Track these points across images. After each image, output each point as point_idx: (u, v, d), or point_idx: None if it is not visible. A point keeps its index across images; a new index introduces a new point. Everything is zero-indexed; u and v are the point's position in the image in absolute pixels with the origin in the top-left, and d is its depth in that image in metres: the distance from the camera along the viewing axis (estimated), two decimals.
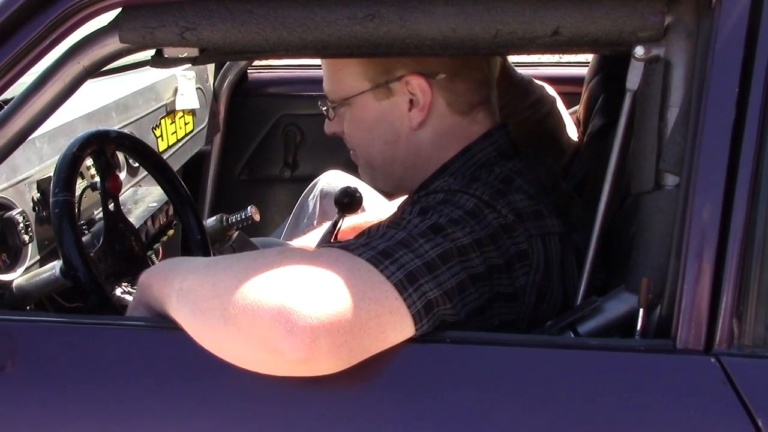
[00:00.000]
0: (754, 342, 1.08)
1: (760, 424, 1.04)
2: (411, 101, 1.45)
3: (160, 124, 2.46)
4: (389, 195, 2.03)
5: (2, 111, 1.37)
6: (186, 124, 2.65)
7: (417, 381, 1.14)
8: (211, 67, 2.83)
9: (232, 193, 2.90)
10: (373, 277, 1.10)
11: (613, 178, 1.26)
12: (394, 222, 1.25)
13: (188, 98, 2.55)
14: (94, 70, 1.36)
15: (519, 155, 1.46)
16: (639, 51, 1.21)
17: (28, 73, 1.34)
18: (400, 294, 1.10)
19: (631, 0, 1.20)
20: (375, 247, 1.14)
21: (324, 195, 2.44)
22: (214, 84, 2.85)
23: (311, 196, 2.49)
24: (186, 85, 2.54)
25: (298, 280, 1.07)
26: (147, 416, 1.17)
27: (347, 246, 1.16)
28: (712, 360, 1.07)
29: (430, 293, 1.12)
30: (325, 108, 1.55)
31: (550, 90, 2.25)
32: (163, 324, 1.21)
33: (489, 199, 1.30)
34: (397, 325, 1.10)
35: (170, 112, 2.55)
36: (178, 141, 2.60)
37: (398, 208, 1.47)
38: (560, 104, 2.22)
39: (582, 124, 2.16)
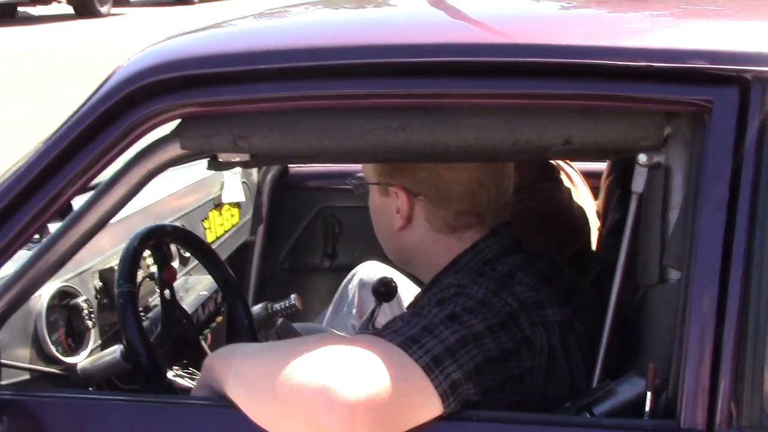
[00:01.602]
0: (751, 423, 1.19)
1: None
2: (398, 208, 1.60)
3: (208, 216, 2.63)
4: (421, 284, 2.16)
5: (76, 210, 1.54)
6: (232, 216, 2.81)
7: None
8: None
9: (275, 281, 3.03)
10: (403, 361, 1.24)
11: (622, 272, 1.39)
12: (416, 312, 1.39)
13: (234, 192, 2.72)
14: (157, 173, 1.52)
15: (520, 251, 1.59)
16: (642, 158, 1.35)
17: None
18: (427, 375, 1.23)
19: (633, 113, 1.34)
20: (403, 334, 1.29)
21: (362, 285, 2.57)
22: (257, 178, 3.01)
23: (350, 286, 2.62)
24: (232, 180, 2.71)
25: (338, 363, 1.20)
26: None
27: (379, 333, 1.31)
28: None
29: (453, 374, 1.25)
30: (356, 180, 1.73)
31: (574, 175, 2.39)
32: (221, 403, 1.35)
33: (495, 290, 1.43)
34: (425, 404, 1.23)
35: (218, 205, 2.72)
36: (225, 232, 2.76)
37: (416, 299, 1.62)
38: (582, 189, 2.35)
39: (601, 217, 2.29)
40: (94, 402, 1.46)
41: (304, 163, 2.92)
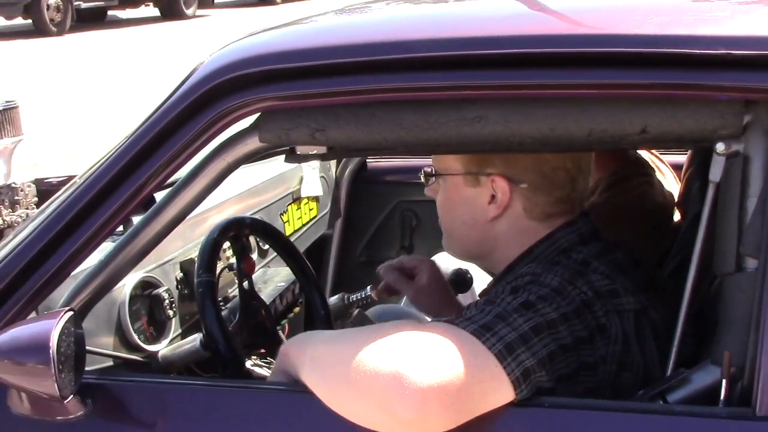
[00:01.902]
0: None
1: None
2: (492, 196, 1.59)
3: (287, 210, 2.67)
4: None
5: (158, 202, 1.59)
6: (310, 210, 2.86)
7: None
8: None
9: (352, 273, 3.07)
10: (477, 348, 1.25)
11: (698, 261, 1.38)
12: (489, 300, 1.40)
13: (312, 186, 2.76)
14: (237, 166, 1.56)
15: (597, 240, 1.58)
16: (720, 147, 1.34)
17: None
18: (500, 362, 1.24)
19: (712, 101, 1.33)
20: (476, 321, 1.30)
21: None
22: (336, 173, 3.05)
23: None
24: (311, 175, 2.75)
25: (410, 350, 1.22)
26: None
27: (453, 321, 1.32)
28: None
29: (526, 362, 1.26)
30: (430, 173, 1.69)
31: (666, 170, 2.37)
32: (296, 389, 1.38)
33: (570, 278, 1.43)
34: (497, 390, 1.24)
35: (296, 199, 2.76)
36: (304, 225, 2.81)
37: (489, 286, 1.63)
38: (673, 183, 2.34)
39: (681, 209, 2.27)
40: (172, 386, 1.50)
41: (380, 155, 2.95)
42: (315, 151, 1.53)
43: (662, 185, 2.27)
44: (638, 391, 1.38)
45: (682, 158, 2.49)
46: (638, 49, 1.33)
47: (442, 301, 1.98)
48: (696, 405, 1.30)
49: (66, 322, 1.36)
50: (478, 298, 1.53)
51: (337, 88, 1.43)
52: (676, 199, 2.34)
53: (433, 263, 2.03)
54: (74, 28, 16.51)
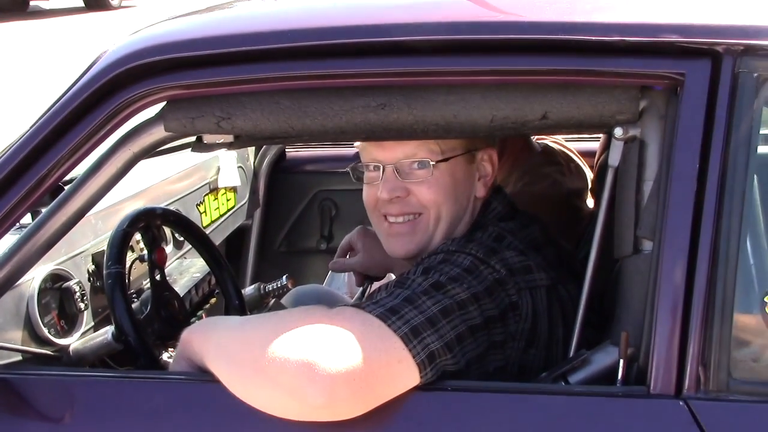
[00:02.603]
0: (719, 387, 1.22)
1: None
2: (478, 173, 1.65)
3: (204, 200, 2.65)
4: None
5: (63, 192, 1.56)
6: (228, 200, 2.84)
7: (423, 426, 1.30)
8: (251, 148, 3.02)
9: (272, 264, 3.06)
10: (383, 332, 1.26)
11: (599, 244, 1.42)
12: (400, 281, 1.41)
13: (230, 176, 2.74)
14: (143, 156, 1.54)
15: (515, 216, 1.62)
16: (618, 132, 1.37)
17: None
18: (405, 345, 1.26)
19: (609, 87, 1.36)
20: (384, 305, 1.31)
21: None
22: (254, 163, 3.04)
23: None
24: (228, 165, 2.73)
25: (319, 336, 1.23)
26: None
27: (360, 305, 1.33)
28: (681, 403, 1.22)
29: (432, 345, 1.28)
30: (420, 163, 1.62)
31: (575, 159, 2.41)
32: (201, 377, 1.38)
33: (483, 257, 1.46)
34: (404, 374, 1.26)
35: (213, 189, 2.74)
36: (221, 216, 2.79)
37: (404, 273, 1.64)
38: (586, 172, 2.38)
39: (594, 195, 2.31)
40: (76, 379, 1.49)
41: (287, 144, 2.95)
42: (221, 140, 1.53)
43: (573, 174, 2.31)
44: (544, 368, 1.40)
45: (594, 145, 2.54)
46: (537, 35, 1.35)
47: (387, 257, 1.93)
48: (595, 385, 1.32)
49: None
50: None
51: (241, 76, 1.43)
52: (588, 187, 2.38)
53: (362, 229, 2.02)
54: None
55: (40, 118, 1.49)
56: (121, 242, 1.77)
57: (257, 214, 3.06)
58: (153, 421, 1.37)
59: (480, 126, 1.41)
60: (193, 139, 1.58)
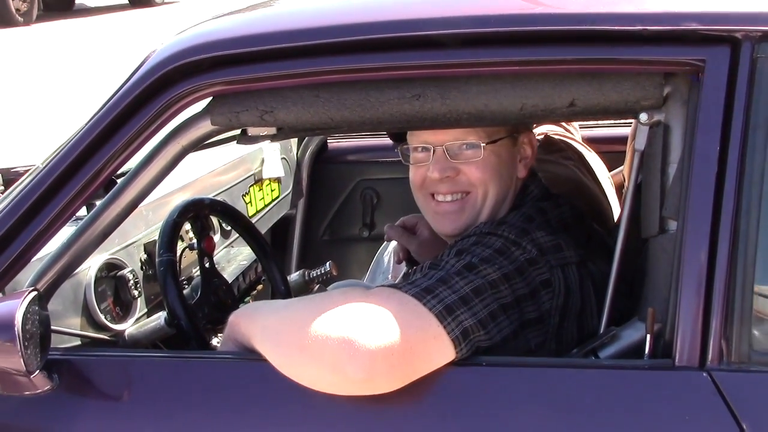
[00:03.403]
0: (740, 359, 1.28)
1: (744, 427, 1.23)
2: (520, 152, 1.75)
3: (249, 191, 2.75)
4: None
5: (116, 185, 1.66)
6: (272, 191, 2.93)
7: (460, 400, 1.37)
8: (294, 139, 3.11)
9: (316, 252, 3.15)
10: (419, 310, 1.34)
11: (626, 225, 1.47)
12: (434, 263, 1.48)
13: (274, 168, 2.83)
14: (191, 149, 1.63)
15: (549, 198, 1.70)
16: (643, 117, 1.43)
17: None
18: (440, 323, 1.33)
19: (634, 75, 1.42)
20: (419, 285, 1.38)
21: (396, 252, 2.67)
22: (297, 154, 3.12)
23: (386, 253, 2.72)
24: (272, 156, 2.82)
25: (357, 315, 1.31)
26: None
27: (396, 285, 1.40)
28: (705, 375, 1.27)
29: (465, 322, 1.35)
30: (460, 149, 1.72)
31: (579, 147, 2.45)
32: (249, 356, 1.46)
33: (515, 238, 1.53)
34: (440, 350, 1.33)
35: (258, 180, 2.83)
36: (266, 206, 2.88)
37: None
38: (591, 158, 2.42)
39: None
40: (133, 359, 1.58)
41: (327, 135, 3.03)
42: (265, 132, 1.61)
43: (583, 163, 2.35)
44: (579, 340, 1.47)
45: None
46: (563, 26, 1.41)
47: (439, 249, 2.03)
48: (624, 359, 1.39)
49: (30, 301, 1.43)
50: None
51: (283, 71, 1.51)
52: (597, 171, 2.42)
53: None
54: (41, 18, 16.37)
55: (95, 115, 1.58)
56: (171, 231, 1.86)
57: (301, 203, 3.15)
58: (206, 398, 1.46)
59: (510, 114, 1.48)
60: (238, 132, 1.66)
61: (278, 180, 2.96)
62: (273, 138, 1.64)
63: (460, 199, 1.73)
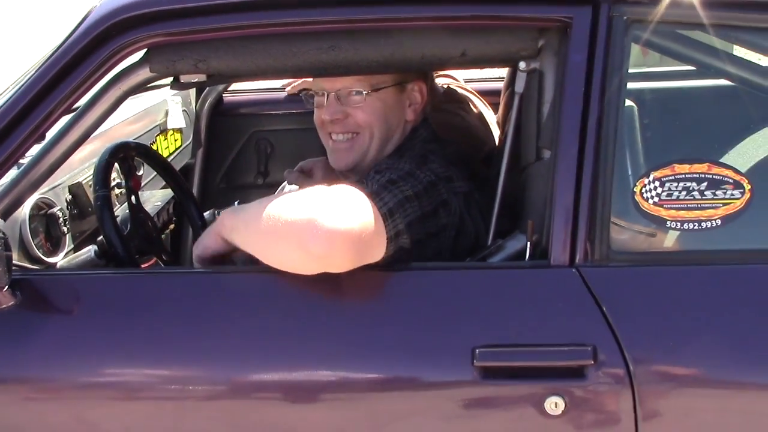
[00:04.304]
0: (601, 257, 1.60)
1: (604, 309, 1.56)
2: (409, 101, 2.01)
3: (156, 140, 2.94)
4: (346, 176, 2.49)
5: (63, 125, 1.85)
6: (175, 140, 3.13)
7: (395, 296, 1.64)
8: (192, 92, 3.30)
9: (214, 198, 3.36)
10: (372, 206, 1.57)
11: (509, 154, 1.78)
12: (360, 181, 1.74)
13: (176, 119, 3.03)
14: (131, 93, 1.84)
15: (437, 140, 2.00)
16: (522, 65, 1.74)
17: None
18: (383, 222, 1.58)
19: (515, 29, 1.72)
20: (369, 188, 1.64)
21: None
22: (196, 107, 3.33)
23: None
24: (174, 108, 3.02)
25: (322, 202, 1.54)
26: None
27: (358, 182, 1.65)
28: (574, 271, 1.59)
29: (398, 226, 1.62)
30: (349, 94, 1.99)
31: (475, 99, 2.76)
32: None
33: (417, 165, 1.81)
34: (380, 244, 1.58)
35: (163, 130, 3.03)
36: (170, 154, 3.07)
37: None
38: (483, 108, 2.73)
39: (501, 125, 2.68)
40: (82, 276, 1.80)
41: (254, 80, 3.24)
42: (196, 79, 1.84)
43: (471, 109, 2.66)
44: (469, 255, 1.77)
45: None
46: None
47: None
48: (509, 262, 1.70)
49: None
50: None
51: (215, 25, 1.74)
52: (493, 119, 2.74)
53: (325, 161, 2.31)
54: None
55: (41, 65, 1.77)
56: (104, 169, 2.06)
57: (200, 153, 3.35)
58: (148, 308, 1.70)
59: (412, 62, 1.76)
60: (170, 79, 1.88)
61: (180, 131, 3.17)
62: (204, 84, 1.87)
63: (350, 138, 2.02)
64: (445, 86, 2.64)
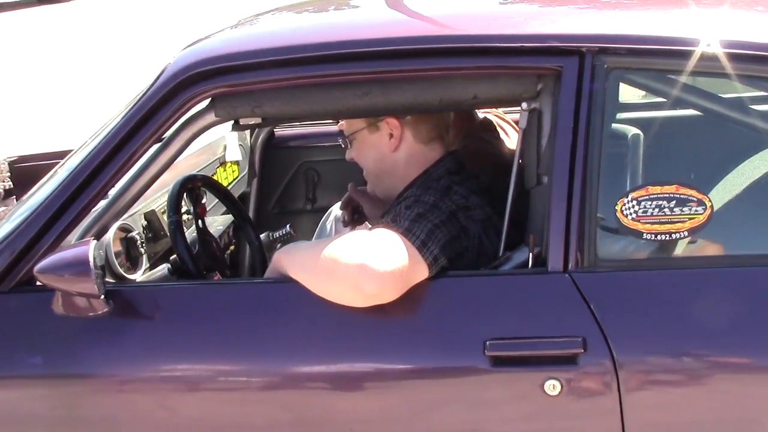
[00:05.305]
0: (589, 263, 1.91)
1: (592, 307, 1.88)
2: (390, 135, 2.30)
3: (216, 172, 3.32)
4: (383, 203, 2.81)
5: (143, 162, 2.22)
6: (233, 172, 3.50)
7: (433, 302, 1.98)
8: (248, 130, 3.68)
9: (268, 223, 3.71)
10: (406, 243, 1.90)
11: (515, 180, 2.11)
12: (395, 216, 2.06)
13: (234, 152, 3.40)
14: (199, 134, 2.21)
15: (461, 172, 2.31)
16: (524, 105, 2.07)
17: None
18: (420, 252, 1.91)
19: (517, 76, 2.05)
20: (401, 226, 1.97)
21: (337, 219, 3.27)
22: (250, 141, 3.70)
23: (328, 221, 3.31)
24: (232, 143, 3.39)
25: (368, 246, 1.87)
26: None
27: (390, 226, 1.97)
28: (567, 276, 1.91)
29: (434, 251, 1.95)
30: (346, 142, 2.38)
31: (507, 127, 3.09)
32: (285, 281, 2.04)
33: (440, 197, 2.13)
34: (421, 270, 1.91)
35: (222, 163, 3.41)
36: (229, 184, 3.45)
37: (390, 208, 2.31)
38: (512, 135, 3.06)
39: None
40: (167, 288, 2.16)
41: (300, 122, 3.60)
42: (253, 122, 2.21)
43: (502, 136, 2.99)
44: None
45: None
46: (468, 44, 2.04)
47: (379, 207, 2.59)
48: (515, 270, 2.03)
49: (95, 245, 1.99)
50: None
51: (268, 77, 2.09)
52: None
53: (353, 187, 2.67)
54: None
55: (127, 112, 2.14)
56: (176, 198, 2.43)
57: (254, 182, 3.70)
58: (223, 316, 2.06)
59: (432, 105, 2.10)
60: (232, 122, 2.24)
61: (237, 163, 3.54)
62: (259, 126, 2.24)
63: (366, 173, 2.42)
64: (483, 115, 2.97)
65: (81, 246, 2.00)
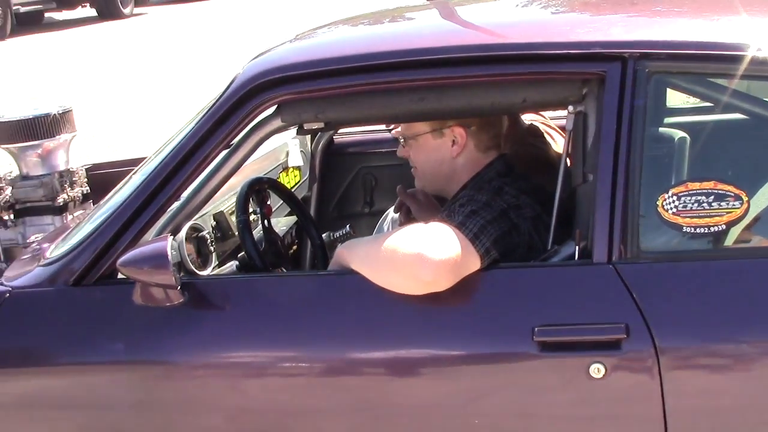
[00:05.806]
0: (631, 254, 2.04)
1: (635, 296, 2.00)
2: (453, 141, 2.44)
3: (279, 176, 3.49)
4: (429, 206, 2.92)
5: (216, 164, 2.38)
6: (295, 176, 3.66)
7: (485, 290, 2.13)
8: (308, 136, 3.84)
9: (329, 225, 3.87)
10: (460, 235, 2.05)
11: (562, 178, 2.25)
12: (450, 212, 2.20)
13: (296, 158, 3.56)
14: (266, 138, 2.37)
15: (511, 173, 2.45)
16: (570, 108, 2.20)
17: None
18: (472, 244, 2.05)
19: (564, 81, 2.19)
20: (455, 220, 2.11)
21: (393, 221, 3.42)
22: (311, 147, 3.86)
23: (384, 223, 3.46)
24: (294, 149, 3.56)
25: (424, 238, 2.01)
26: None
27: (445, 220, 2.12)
28: (611, 266, 2.04)
29: (486, 243, 2.09)
30: (402, 140, 2.52)
31: (552, 132, 3.22)
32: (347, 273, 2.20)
33: (492, 196, 2.27)
34: (474, 261, 2.05)
35: (285, 168, 3.58)
36: (292, 188, 3.62)
37: (446, 206, 2.45)
38: (561, 140, 3.18)
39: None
40: (239, 280, 2.33)
41: (361, 126, 3.75)
42: (317, 126, 2.36)
43: (548, 141, 3.12)
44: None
45: None
46: (518, 51, 2.18)
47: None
48: (563, 262, 2.17)
49: (171, 240, 2.16)
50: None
51: (331, 85, 2.25)
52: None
53: (402, 190, 2.80)
54: (15, 32, 16.80)
55: (199, 120, 2.31)
56: (245, 199, 2.60)
57: (315, 187, 3.86)
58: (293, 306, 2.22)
59: (484, 109, 2.25)
60: (296, 126, 2.41)
61: (299, 168, 3.71)
62: (322, 130, 2.40)
63: (415, 169, 2.55)
64: (530, 123, 3.11)
65: (159, 241, 2.17)
